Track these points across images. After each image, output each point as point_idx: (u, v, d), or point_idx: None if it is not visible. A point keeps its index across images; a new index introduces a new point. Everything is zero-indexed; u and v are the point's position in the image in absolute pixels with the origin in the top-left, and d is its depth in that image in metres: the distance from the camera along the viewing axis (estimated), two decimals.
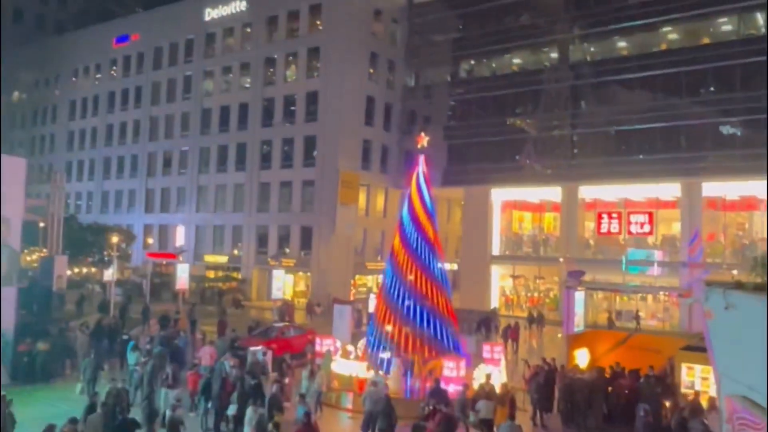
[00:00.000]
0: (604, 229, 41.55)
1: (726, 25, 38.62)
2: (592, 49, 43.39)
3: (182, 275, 34.97)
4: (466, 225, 49.72)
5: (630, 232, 40.19)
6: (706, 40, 39.17)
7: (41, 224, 33.27)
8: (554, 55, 44.65)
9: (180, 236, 55.40)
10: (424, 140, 20.98)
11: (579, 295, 22.05)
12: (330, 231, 45.61)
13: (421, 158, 20.77)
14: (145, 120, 59.68)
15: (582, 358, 19.28)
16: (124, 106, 62.12)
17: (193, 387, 16.75)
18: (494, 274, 46.34)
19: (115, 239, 33.74)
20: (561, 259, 41.74)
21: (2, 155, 18.71)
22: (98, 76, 65.57)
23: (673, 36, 40.57)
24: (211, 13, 54.44)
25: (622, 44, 42.39)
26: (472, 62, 49.04)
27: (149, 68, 59.76)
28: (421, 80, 51.16)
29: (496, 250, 46.52)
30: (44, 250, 29.83)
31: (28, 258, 38.32)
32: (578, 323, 21.68)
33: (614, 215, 41.15)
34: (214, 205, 53.66)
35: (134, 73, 61.26)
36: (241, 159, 51.83)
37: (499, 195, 47.02)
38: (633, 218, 40.15)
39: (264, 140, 50.59)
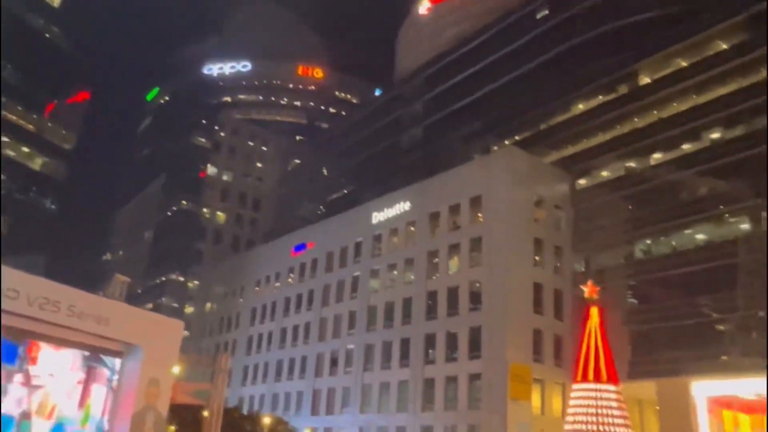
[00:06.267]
0: None
1: None
2: None
3: None
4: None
5: None
6: None
7: (205, 413, 33.08)
8: (745, 225, 39.99)
9: None
10: (594, 290, 18.20)
11: None
12: (501, 431, 40.63)
13: (593, 311, 17.81)
14: (315, 321, 61.46)
15: None
16: (297, 309, 65.02)
17: None
18: None
19: (267, 420, 32.44)
20: None
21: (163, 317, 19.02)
22: (277, 284, 70.35)
23: None
24: (377, 216, 57.54)
25: None
26: (648, 242, 45.39)
27: (321, 272, 63.06)
28: (591, 265, 47.91)
29: None
30: None
31: None
32: None
33: None
34: (378, 406, 51.30)
35: (308, 278, 64.86)
36: (405, 354, 50.22)
37: (703, 390, 39.68)
38: None
39: (428, 334, 48.99)
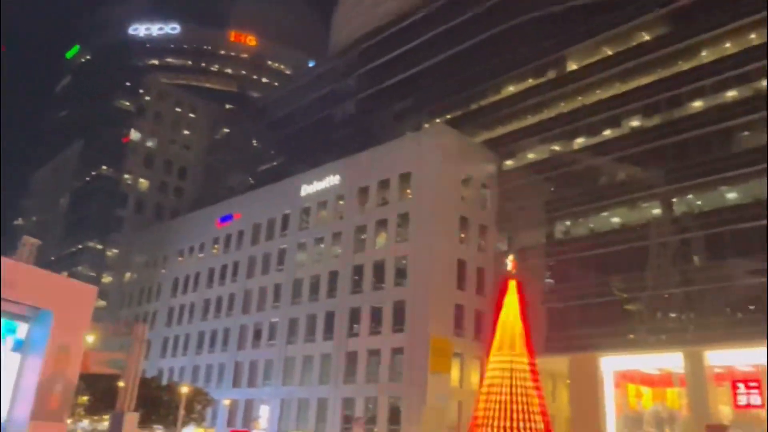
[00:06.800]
0: (742, 401, 35.32)
1: None
2: (698, 201, 40.68)
3: None
4: (574, 403, 44.30)
5: None
6: None
7: (121, 383, 32.20)
8: (656, 210, 42.19)
9: (264, 412, 52.73)
10: (516, 265, 18.79)
11: None
12: (420, 403, 41.63)
13: (512, 284, 18.40)
14: (240, 293, 60.65)
15: None
16: (221, 281, 63.90)
17: None
18: None
19: (185, 389, 31.88)
20: None
21: (75, 282, 18.24)
22: (200, 255, 68.75)
23: None
24: (306, 189, 57.04)
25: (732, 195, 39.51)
26: (568, 223, 47.17)
27: (248, 244, 62.10)
28: (514, 243, 49.38)
29: None
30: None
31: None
32: None
33: (753, 384, 35.06)
34: (300, 378, 51.41)
35: (233, 250, 63.74)
36: (329, 327, 50.41)
37: (610, 365, 41.97)
38: None
39: (353, 307, 49.31)
